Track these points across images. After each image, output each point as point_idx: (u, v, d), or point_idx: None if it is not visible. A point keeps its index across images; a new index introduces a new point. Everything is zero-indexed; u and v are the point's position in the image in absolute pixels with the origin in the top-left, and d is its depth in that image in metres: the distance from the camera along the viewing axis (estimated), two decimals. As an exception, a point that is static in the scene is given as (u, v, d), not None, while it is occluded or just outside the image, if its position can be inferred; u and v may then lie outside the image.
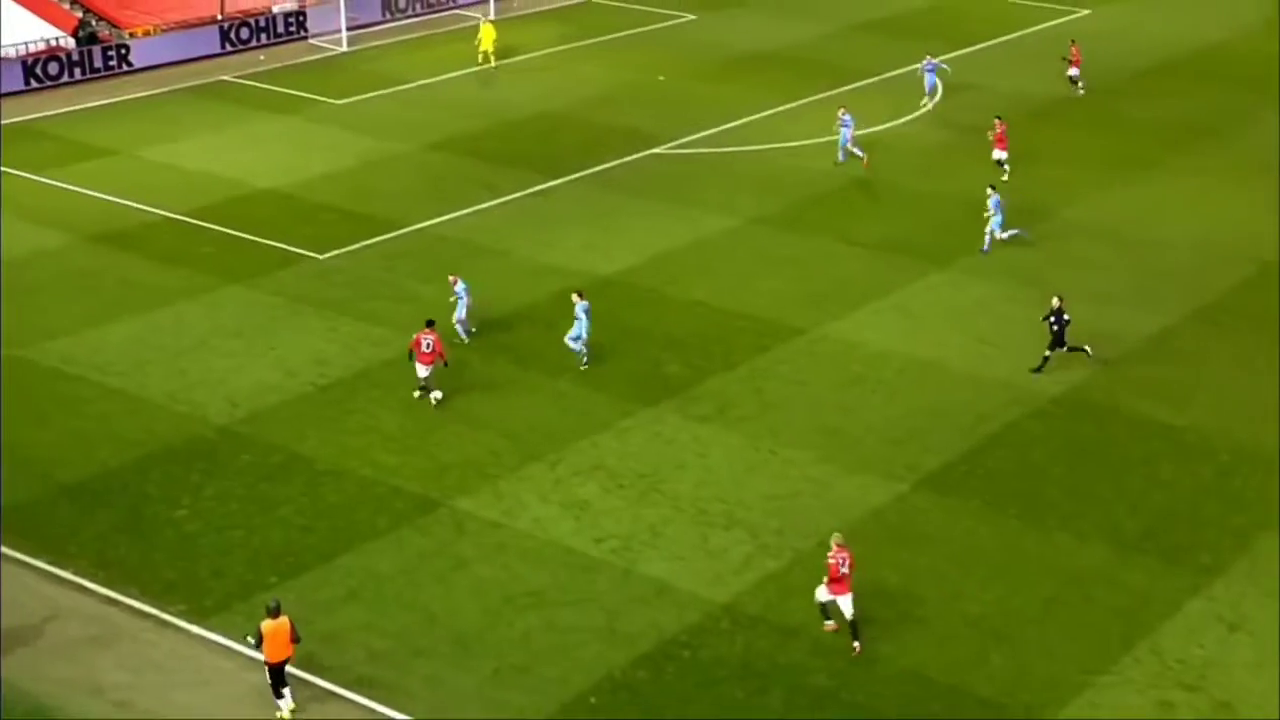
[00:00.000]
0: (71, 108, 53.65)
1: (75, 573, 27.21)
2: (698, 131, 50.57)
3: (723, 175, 46.85)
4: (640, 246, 41.44)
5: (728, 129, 51.03)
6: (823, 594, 25.55)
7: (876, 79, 56.53)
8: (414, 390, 33.16)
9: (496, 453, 31.25)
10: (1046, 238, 41.88)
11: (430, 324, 33.06)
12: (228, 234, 42.30)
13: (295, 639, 23.92)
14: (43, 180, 46.47)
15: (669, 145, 49.14)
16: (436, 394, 33.01)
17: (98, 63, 57.02)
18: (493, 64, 58.04)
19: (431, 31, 62.21)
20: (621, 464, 30.88)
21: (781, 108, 53.09)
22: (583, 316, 34.19)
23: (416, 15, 65.15)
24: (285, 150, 49.39)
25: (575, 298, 34.60)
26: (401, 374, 34.20)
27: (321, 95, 54.97)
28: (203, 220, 43.32)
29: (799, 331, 36.56)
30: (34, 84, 55.46)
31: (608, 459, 31.06)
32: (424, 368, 32.80)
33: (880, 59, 58.75)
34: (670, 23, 64.96)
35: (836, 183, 46.02)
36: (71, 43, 57.14)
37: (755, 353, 35.55)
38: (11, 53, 56.06)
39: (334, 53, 60.65)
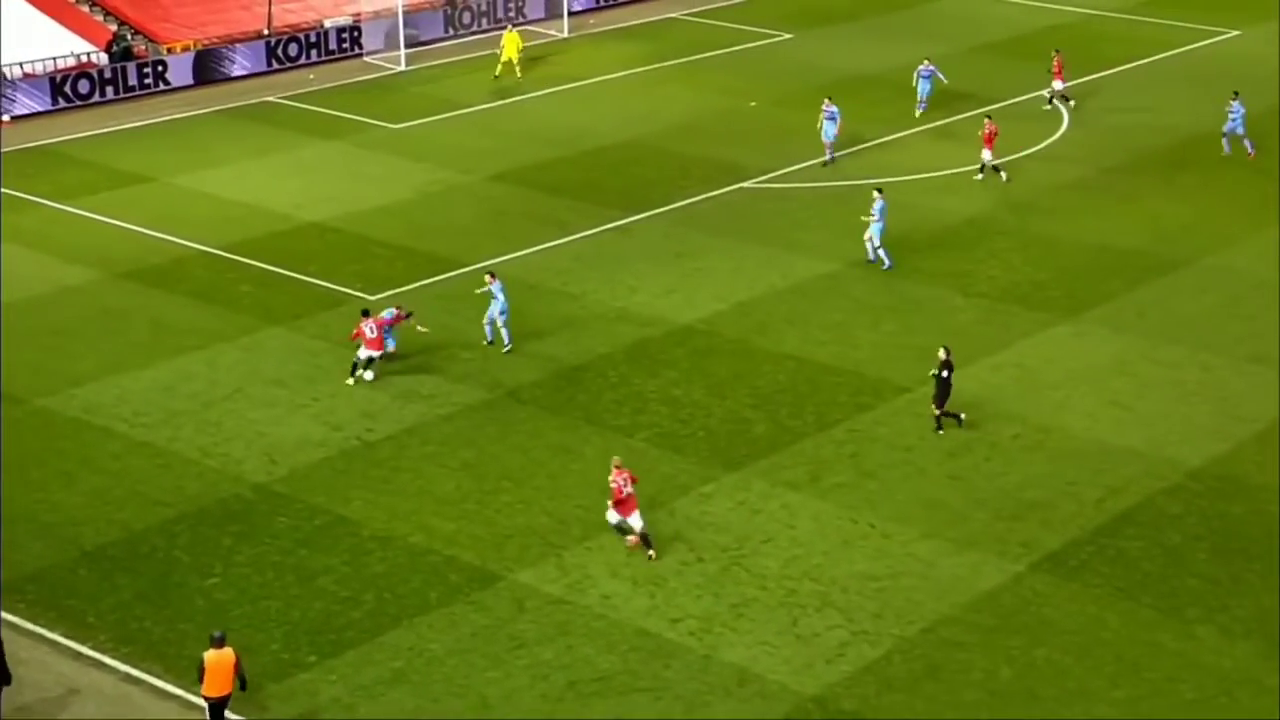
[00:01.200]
0: (102, 130, 54.65)
1: (95, 647, 27.48)
2: (792, 164, 50.65)
3: (820, 213, 46.87)
4: (726, 291, 41.51)
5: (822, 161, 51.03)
6: (612, 516, 29.74)
7: (998, 105, 56.41)
8: (348, 377, 36.14)
9: (563, 520, 31.31)
10: (1193, 288, 41.53)
11: (365, 313, 36.36)
12: (269, 271, 42.83)
13: (240, 675, 24.35)
14: (68, 209, 47.34)
15: (760, 179, 49.24)
16: (368, 374, 36.03)
17: (132, 80, 58.09)
18: (517, 74, 59.39)
19: (497, 50, 62.74)
20: (701, 535, 30.83)
21: (888, 137, 53.07)
22: (499, 295, 37.20)
23: (482, 31, 65.88)
24: (334, 179, 50.01)
25: (488, 279, 37.63)
26: (458, 429, 34.42)
27: (376, 119, 55.65)
28: (242, 255, 43.91)
29: (903, 389, 36.41)
30: (62, 103, 56.58)
31: (686, 529, 31.01)
32: (368, 351, 36.01)
33: (1001, 84, 58.66)
34: (763, 42, 65.25)
35: (948, 221, 45.93)
36: (104, 58, 58.29)
37: (853, 412, 35.43)
38: (39, 68, 57.26)
39: (390, 72, 61.44)
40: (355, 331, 36.42)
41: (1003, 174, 48.71)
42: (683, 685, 26.63)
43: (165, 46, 60.19)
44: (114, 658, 27.24)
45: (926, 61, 55.44)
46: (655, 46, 64.37)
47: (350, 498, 32.10)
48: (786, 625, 28.23)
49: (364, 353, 36.27)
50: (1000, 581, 29.36)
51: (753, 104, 56.59)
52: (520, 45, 60.10)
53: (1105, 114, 55.62)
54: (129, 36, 59.92)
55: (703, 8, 70.30)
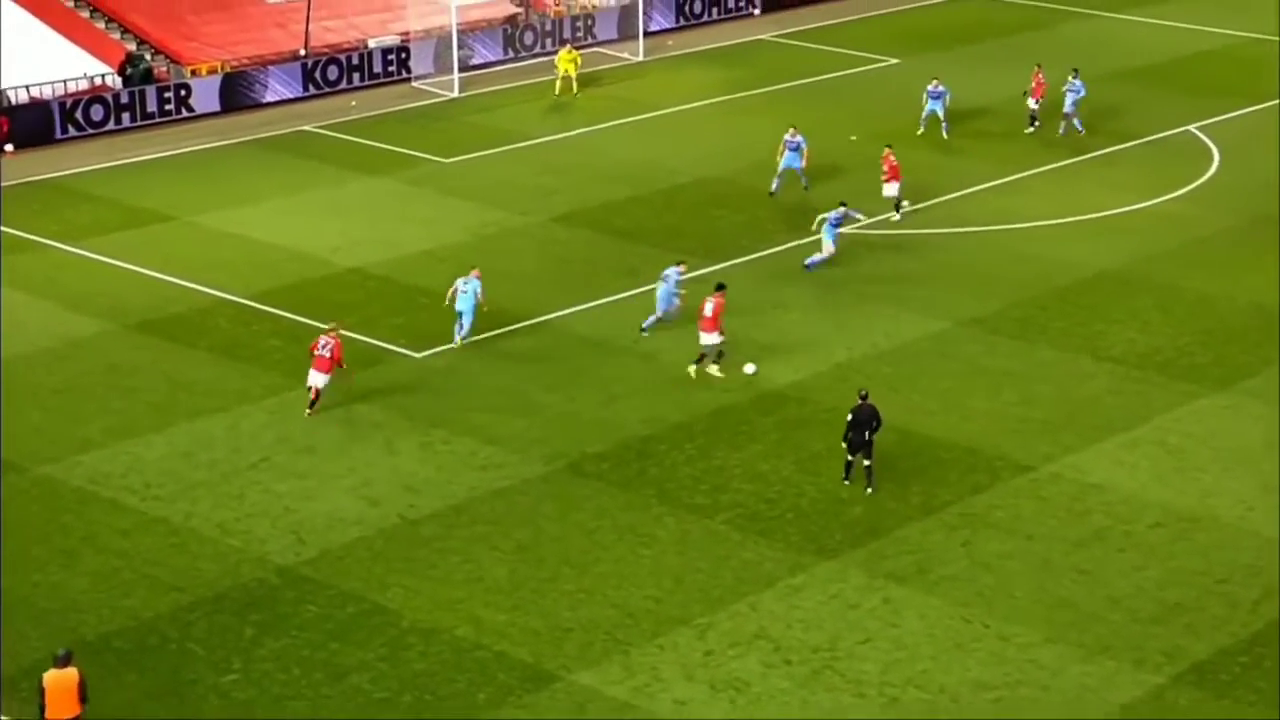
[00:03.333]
0: (116, 162, 55.33)
1: (97, 750, 27.60)
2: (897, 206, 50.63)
3: (929, 263, 46.75)
4: (821, 352, 41.41)
5: (937, 204, 50.97)
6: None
7: (1133, 143, 56.16)
8: (306, 409, 37.88)
9: (631, 613, 31.22)
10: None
11: (330, 328, 38.47)
12: (301, 323, 43.10)
13: (83, 699, 24.47)
14: (77, 251, 47.88)
15: (861, 224, 49.21)
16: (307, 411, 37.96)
17: (151, 106, 58.82)
18: (574, 90, 60.75)
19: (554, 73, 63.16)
20: (790, 633, 30.65)
21: (1009, 178, 52.93)
22: (472, 293, 40.77)
23: (545, 54, 66.19)
24: (377, 219, 50.34)
25: (474, 274, 41.21)
26: (513, 507, 34.41)
27: (425, 151, 56.05)
28: (271, 305, 44.24)
29: (1024, 468, 36.16)
30: (73, 131, 57.35)
31: (772, 626, 30.84)
32: (320, 375, 37.76)
33: (1137, 117, 58.42)
34: (866, 68, 65.37)
35: (1077, 275, 45.69)
36: (120, 81, 59.00)
37: (966, 493, 35.21)
38: (45, 91, 58.05)
39: (442, 99, 61.92)
40: (314, 342, 38.49)
41: (897, 213, 49.03)
42: (767, 808, 26.45)
43: (189, 68, 60.95)
44: (118, 764, 27.35)
45: (936, 81, 56.14)
46: (741, 72, 64.61)
47: (388, 584, 32.10)
48: (887, 740, 28.04)
49: (317, 379, 38.14)
50: (1137, 695, 29.00)
51: (853, 138, 56.58)
52: (578, 61, 61.50)
53: (1262, 154, 55.18)
54: (148, 57, 60.72)
55: (796, 28, 70.58)
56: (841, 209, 46.15)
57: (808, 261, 45.89)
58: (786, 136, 50.91)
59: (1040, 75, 57.10)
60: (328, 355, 37.99)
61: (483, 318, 42.71)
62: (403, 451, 36.90)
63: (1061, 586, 32.05)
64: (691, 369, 39.91)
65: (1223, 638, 30.50)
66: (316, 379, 38.03)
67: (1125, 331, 42.61)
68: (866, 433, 34.88)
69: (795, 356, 41.18)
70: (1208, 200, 51.44)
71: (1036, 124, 56.92)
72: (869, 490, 35.08)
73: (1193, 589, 31.95)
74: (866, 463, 35.14)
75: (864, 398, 35.21)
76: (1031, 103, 56.82)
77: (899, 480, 35.66)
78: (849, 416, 35.06)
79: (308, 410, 38.11)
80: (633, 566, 32.68)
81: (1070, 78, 56.41)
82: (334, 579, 32.24)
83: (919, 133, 55.93)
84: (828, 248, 45.81)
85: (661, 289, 41.97)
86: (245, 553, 33.13)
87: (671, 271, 42.22)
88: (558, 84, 61.41)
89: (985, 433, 37.61)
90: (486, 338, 42.18)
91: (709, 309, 39.66)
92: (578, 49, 62.93)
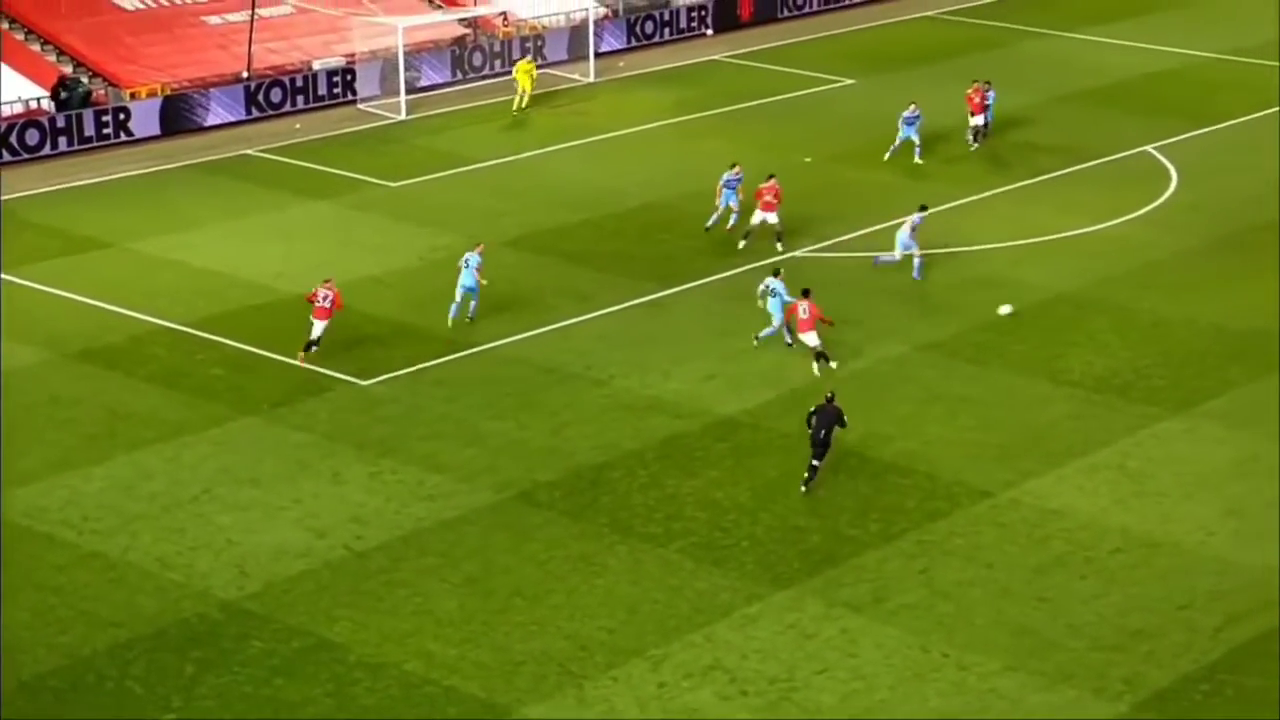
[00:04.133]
0: (54, 187, 55.09)
1: (32, 794, 27.44)
2: (853, 229, 50.74)
3: (884, 287, 46.85)
4: (776, 377, 41.46)
5: (893, 226, 51.06)
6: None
7: (1091, 164, 56.45)
8: (300, 353, 41.16)
9: (584, 645, 31.15)
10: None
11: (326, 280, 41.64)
12: (244, 351, 42.96)
13: None
14: (15, 280, 47.56)
15: (815, 246, 49.28)
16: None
17: (89, 130, 58.59)
18: (524, 104, 61.64)
19: (511, 96, 63.19)
20: (745, 664, 30.61)
21: (964, 199, 53.13)
22: (473, 268, 43.37)
23: (494, 75, 66.30)
24: (322, 245, 50.25)
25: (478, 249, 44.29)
26: (463, 537, 34.30)
27: (371, 175, 55.99)
28: (213, 333, 44.07)
29: (983, 494, 36.23)
30: (8, 156, 57.01)
31: (728, 657, 30.81)
32: (320, 323, 41.25)
33: (1095, 138, 58.75)
34: (821, 88, 65.59)
35: (1036, 298, 45.85)
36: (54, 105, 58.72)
37: (924, 520, 35.26)
38: (-19, 116, 57.76)
39: (389, 121, 61.87)
40: (311, 293, 41.96)
41: (779, 244, 48.74)
42: (723, 843, 26.40)
43: (128, 91, 60.73)
44: (55, 806, 27.15)
45: (914, 106, 56.15)
46: (694, 93, 64.73)
47: (335, 618, 31.94)
48: (846, 773, 28.04)
49: (317, 327, 41.50)
50: (1098, 723, 29.06)
51: (807, 160, 56.75)
52: (533, 75, 62.00)
53: (1220, 175, 55.55)
54: (85, 80, 60.47)
55: (750, 49, 70.78)
56: (922, 212, 47.15)
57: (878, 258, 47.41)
58: (728, 175, 49.90)
59: (979, 89, 57.38)
60: (328, 306, 41.41)
61: (431, 344, 42.64)
62: (349, 481, 36.77)
63: (1022, 614, 32.10)
64: (815, 368, 41.53)
65: (1184, 665, 30.58)
66: (318, 328, 41.48)
67: (1084, 355, 42.78)
68: (823, 432, 35.59)
69: (749, 382, 41.21)
70: (1166, 222, 51.73)
71: (976, 139, 57.29)
72: (803, 490, 35.74)
73: (1154, 615, 32.04)
74: (815, 463, 35.79)
75: (829, 400, 36.19)
76: (975, 119, 57.11)
77: (856, 507, 35.70)
78: (811, 416, 35.93)
79: (302, 352, 41.57)
80: (585, 597, 32.61)
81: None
82: (278, 613, 32.06)
83: (885, 158, 55.98)
84: (910, 249, 46.78)
85: (773, 302, 42.44)
86: (186, 587, 32.92)
87: (777, 284, 42.59)
88: (517, 99, 61.92)
89: (943, 459, 37.69)
90: (436, 364, 42.12)
91: (804, 312, 41.34)
92: (517, 67, 63.23)
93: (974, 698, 29.74)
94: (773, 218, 48.50)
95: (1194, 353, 42.78)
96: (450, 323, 43.77)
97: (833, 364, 41.50)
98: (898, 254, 46.79)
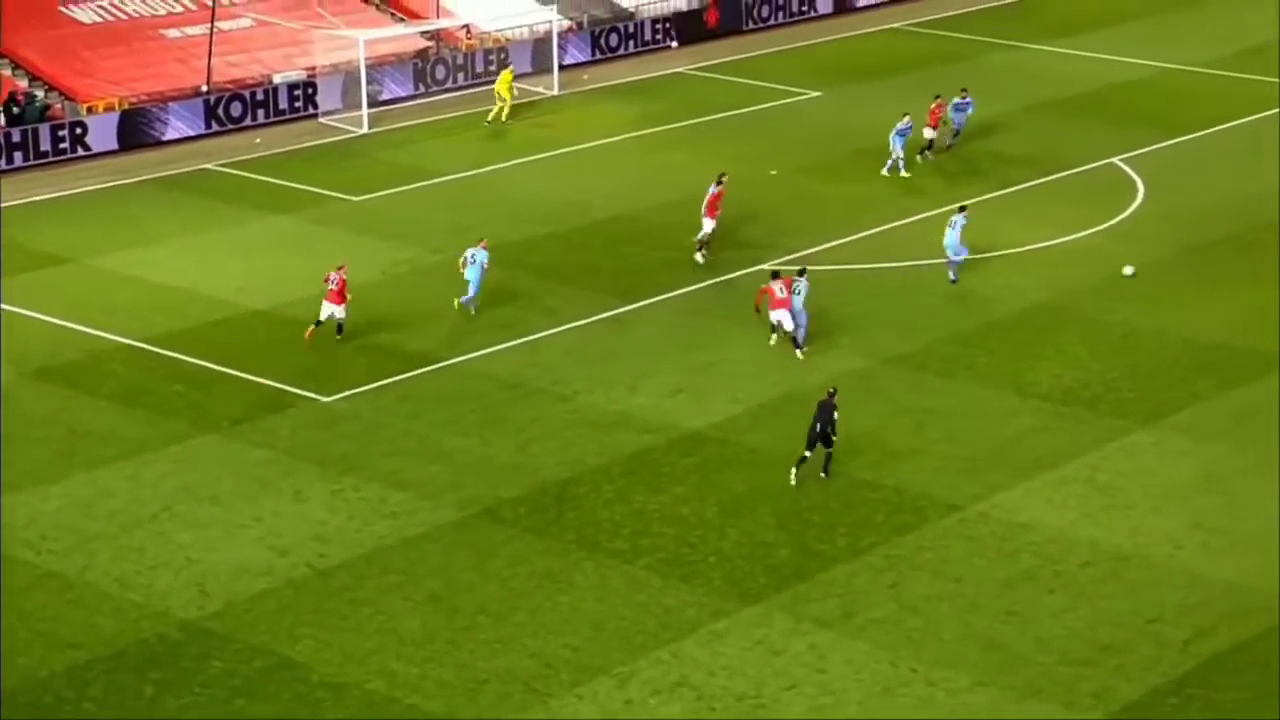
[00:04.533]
0: (10, 203, 54.78)
1: (-14, 820, 27.28)
2: (820, 242, 50.78)
3: (851, 300, 46.91)
4: (743, 392, 41.47)
5: (859, 239, 51.20)
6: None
7: (1057, 175, 56.64)
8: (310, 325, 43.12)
9: (549, 663, 31.09)
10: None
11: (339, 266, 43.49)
12: (204, 367, 42.82)
13: None
14: (-30, 296, 47.45)
15: (782, 259, 49.30)
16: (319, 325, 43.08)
17: (45, 145, 58.38)
18: (501, 117, 61.78)
19: (475, 109, 63.24)
20: (713, 680, 30.58)
21: (932, 212, 53.19)
22: (479, 264, 44.65)
23: (457, 88, 66.31)
24: (283, 260, 50.13)
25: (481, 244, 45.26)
26: (426, 555, 34.22)
27: (333, 189, 55.89)
28: (173, 349, 43.92)
29: (951, 508, 36.28)
30: (-37, 171, 56.87)
31: (695, 674, 30.77)
32: (330, 305, 43.00)
33: (1061, 149, 58.94)
34: (787, 100, 65.68)
35: (1003, 310, 45.99)
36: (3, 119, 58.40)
37: (891, 535, 35.28)
38: (-68, 131, 57.49)
39: (350, 135, 61.79)
40: (325, 276, 43.64)
41: (699, 255, 48.99)
42: None
43: (85, 105, 60.55)
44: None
45: (907, 117, 56.20)
46: (659, 106, 64.78)
47: (297, 636, 31.84)
48: (814, 790, 28.03)
49: (327, 309, 43.11)
50: (1068, 737, 29.10)
51: (773, 173, 56.83)
52: (511, 85, 62.33)
53: (1188, 185, 55.80)
54: (42, 94, 60.28)
55: (715, 61, 70.87)
56: (963, 213, 47.80)
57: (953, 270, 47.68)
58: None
59: (939, 105, 57.62)
60: (336, 289, 42.93)
61: (394, 359, 42.57)
62: (311, 499, 36.66)
63: (990, 628, 32.13)
64: (772, 338, 43.32)
65: (1153, 678, 30.63)
66: (327, 309, 43.11)
67: (1051, 367, 42.87)
68: (818, 425, 36.67)
69: (715, 396, 41.21)
70: (1133, 233, 51.89)
71: (928, 154, 57.51)
72: (823, 475, 36.99)
73: (1123, 629, 32.09)
74: (806, 453, 36.99)
75: (831, 395, 37.09)
76: (927, 132, 57.27)
77: (824, 521, 35.71)
78: (816, 410, 36.99)
79: (309, 331, 43.47)
80: (551, 614, 32.55)
81: (960, 95, 58.18)
82: (239, 633, 31.94)
83: (883, 173, 56.01)
84: (962, 253, 47.44)
85: (795, 300, 43.22)
86: (146, 607, 32.77)
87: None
88: (502, 109, 62.15)
89: (911, 472, 37.72)
90: (399, 380, 42.04)
91: (780, 291, 42.85)
92: (487, 85, 63.25)
93: (943, 713, 29.74)
94: (710, 224, 48.71)
95: (1162, 365, 42.91)
96: (457, 306, 45.29)
97: (799, 353, 42.90)
98: (955, 257, 47.30)
